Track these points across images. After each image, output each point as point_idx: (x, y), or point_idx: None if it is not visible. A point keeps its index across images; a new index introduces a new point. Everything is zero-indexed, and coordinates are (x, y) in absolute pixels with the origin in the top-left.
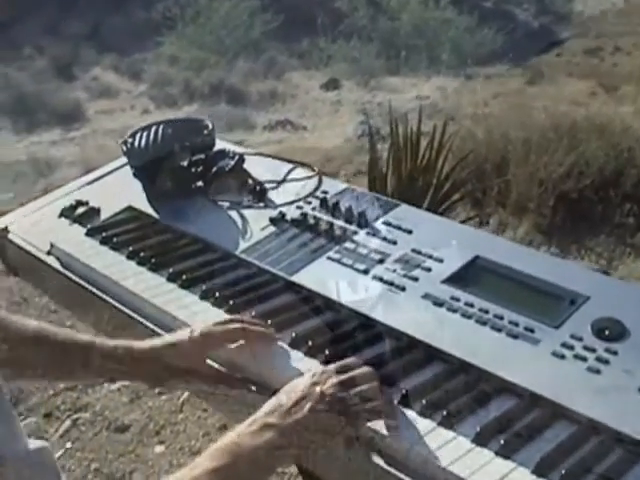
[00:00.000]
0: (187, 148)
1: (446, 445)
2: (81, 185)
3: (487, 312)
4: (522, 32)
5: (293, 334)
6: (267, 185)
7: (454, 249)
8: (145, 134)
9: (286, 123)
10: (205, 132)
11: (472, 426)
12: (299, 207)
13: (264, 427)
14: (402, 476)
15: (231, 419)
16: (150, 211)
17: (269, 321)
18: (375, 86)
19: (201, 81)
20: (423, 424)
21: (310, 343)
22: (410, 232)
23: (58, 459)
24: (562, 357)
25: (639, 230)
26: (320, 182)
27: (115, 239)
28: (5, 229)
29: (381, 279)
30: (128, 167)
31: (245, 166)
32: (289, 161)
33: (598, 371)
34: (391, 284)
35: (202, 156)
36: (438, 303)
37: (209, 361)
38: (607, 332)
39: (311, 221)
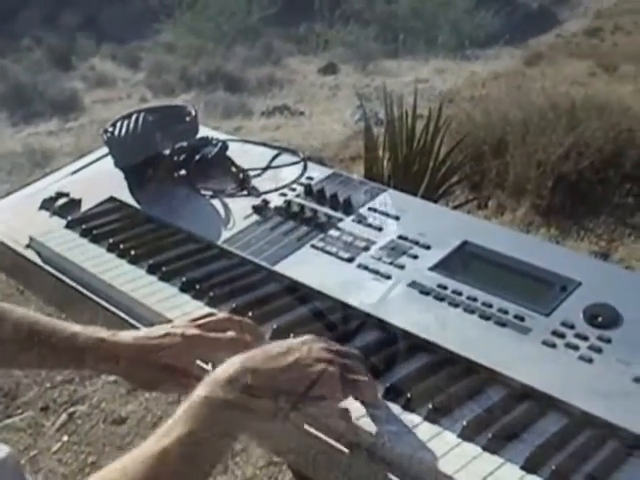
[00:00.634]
0: (169, 136)
1: (432, 440)
2: (62, 176)
3: (475, 300)
4: (521, 13)
5: (274, 326)
6: (251, 172)
7: (442, 235)
8: (126, 123)
9: (284, 109)
10: (188, 119)
11: (459, 420)
12: (283, 194)
13: (242, 372)
14: (386, 473)
15: None
16: (132, 201)
17: (250, 313)
18: (373, 70)
19: (198, 68)
20: (408, 418)
21: (292, 335)
22: (397, 218)
23: (55, 453)
24: (553, 346)
25: (639, 210)
26: (305, 168)
27: (95, 231)
28: None
29: (366, 267)
30: (110, 157)
31: (229, 153)
32: (274, 147)
33: (590, 360)
34: (376, 273)
35: (184, 144)
36: (425, 291)
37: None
38: (600, 319)
39: (295, 209)
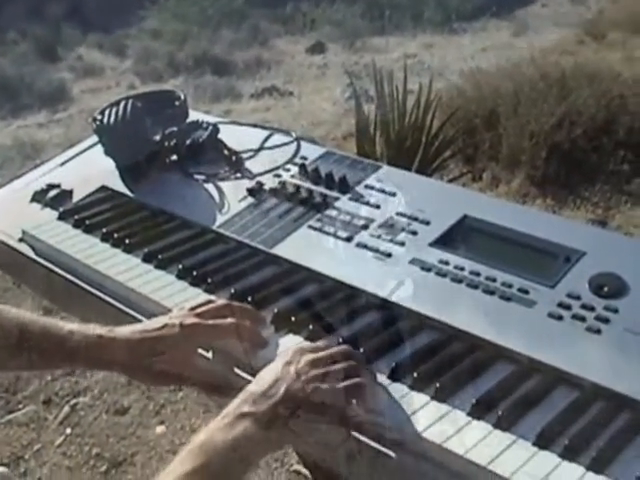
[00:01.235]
0: (159, 121)
1: (441, 420)
2: (53, 167)
3: (478, 275)
4: None
5: (275, 310)
6: (243, 154)
7: (441, 210)
8: (115, 110)
9: (273, 90)
10: (177, 103)
11: (467, 398)
12: (277, 175)
13: (238, 418)
14: (395, 454)
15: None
16: (124, 190)
17: (250, 298)
18: (361, 47)
19: (185, 53)
20: (415, 398)
21: (293, 319)
22: (394, 195)
23: (59, 446)
24: (559, 318)
25: (635, 177)
26: (298, 148)
27: (88, 221)
28: None
29: (366, 246)
30: (100, 146)
31: (220, 136)
32: (265, 128)
33: (598, 331)
34: (376, 251)
35: (175, 129)
36: (426, 268)
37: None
38: (606, 289)
39: (290, 189)
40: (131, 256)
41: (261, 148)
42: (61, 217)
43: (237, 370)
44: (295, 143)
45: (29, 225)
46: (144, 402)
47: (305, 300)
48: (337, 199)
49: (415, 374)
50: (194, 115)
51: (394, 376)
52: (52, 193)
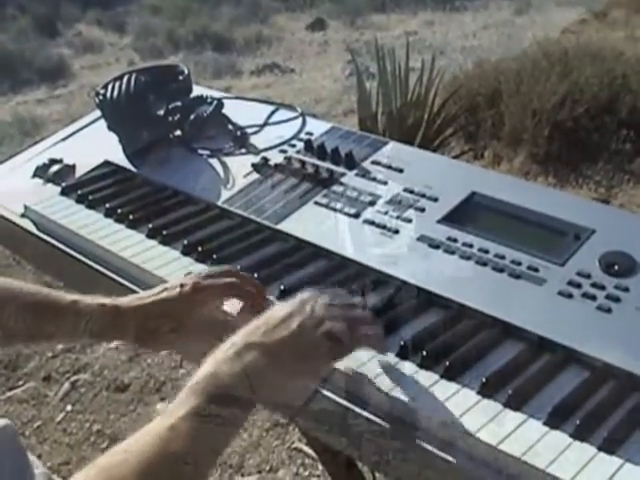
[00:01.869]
0: (162, 96)
1: (450, 399)
2: (55, 142)
3: (487, 252)
4: None
5: (281, 286)
6: (248, 130)
7: (448, 186)
8: (118, 84)
9: (273, 67)
10: (180, 78)
11: (477, 377)
12: (283, 151)
13: (245, 348)
14: (404, 434)
15: None
16: (127, 165)
17: (255, 274)
18: (361, 25)
19: (185, 30)
20: (424, 377)
21: None
22: (401, 171)
23: (59, 423)
24: (569, 296)
25: (637, 156)
26: (304, 123)
27: (91, 197)
28: None
29: (373, 222)
30: (103, 120)
31: (224, 111)
32: (270, 103)
33: (609, 310)
34: (384, 227)
35: (179, 103)
36: (434, 245)
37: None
38: (616, 267)
39: (296, 165)
40: (135, 232)
41: (266, 123)
42: (64, 192)
43: None
44: (300, 118)
45: (31, 200)
46: (144, 379)
47: (312, 277)
48: (343, 175)
49: (424, 352)
50: (198, 90)
51: (403, 354)
52: (54, 168)
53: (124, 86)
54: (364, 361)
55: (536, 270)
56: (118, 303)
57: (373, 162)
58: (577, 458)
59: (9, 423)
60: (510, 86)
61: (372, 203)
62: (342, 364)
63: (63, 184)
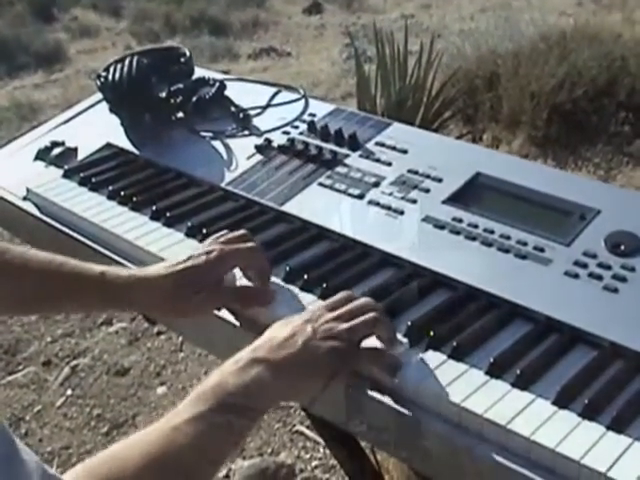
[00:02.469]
0: (164, 78)
1: (458, 379)
2: (56, 125)
3: (492, 232)
4: None
5: (287, 268)
6: (251, 111)
7: (453, 167)
8: (119, 67)
9: (270, 50)
10: (182, 60)
11: (485, 357)
12: (286, 132)
13: (251, 363)
14: (412, 414)
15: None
16: (129, 147)
17: None
18: (358, 8)
19: (182, 14)
20: (432, 357)
21: (306, 276)
22: (405, 152)
23: (59, 407)
24: (576, 276)
25: (636, 138)
26: (307, 105)
27: (94, 179)
28: None
29: (377, 203)
30: (105, 103)
31: (227, 93)
32: (273, 85)
33: (616, 290)
34: (388, 208)
35: (181, 85)
36: (439, 225)
37: None
38: (622, 247)
39: (299, 146)
40: (139, 214)
41: (268, 105)
42: (66, 175)
43: None
44: (303, 100)
45: (33, 183)
46: (145, 363)
47: (317, 258)
48: (347, 156)
49: (431, 333)
50: (200, 72)
51: (410, 335)
52: (56, 151)
53: (126, 68)
54: (371, 342)
55: (542, 250)
56: (147, 274)
57: (377, 143)
58: (586, 437)
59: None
60: (508, 69)
61: (376, 184)
62: None
63: (65, 167)
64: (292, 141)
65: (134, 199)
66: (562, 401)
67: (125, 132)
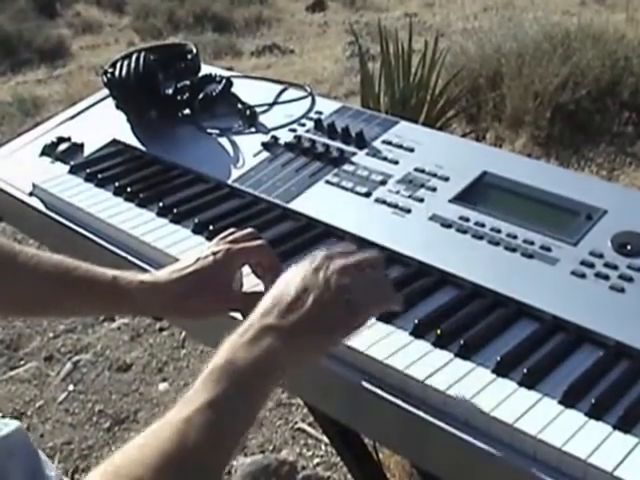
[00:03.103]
0: (171, 75)
1: (465, 377)
2: (62, 121)
3: (499, 231)
4: None
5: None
6: (257, 109)
7: (460, 166)
8: (126, 63)
9: (274, 47)
10: (189, 57)
11: (491, 356)
12: (292, 130)
13: (261, 332)
14: (418, 412)
15: None
16: (136, 143)
17: None
18: (361, 6)
19: (185, 11)
20: (438, 356)
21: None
22: (412, 150)
23: (61, 403)
24: (582, 276)
25: (639, 139)
26: (313, 102)
27: (100, 175)
28: None
29: (384, 202)
30: (111, 99)
31: (233, 90)
32: (279, 82)
33: (622, 290)
34: (395, 206)
35: (187, 82)
36: (446, 224)
37: None
38: (629, 247)
39: (306, 144)
40: (145, 210)
41: (275, 102)
42: (72, 171)
43: None
44: (310, 98)
45: (39, 179)
46: (147, 359)
47: None
48: (354, 154)
49: (438, 331)
50: (206, 69)
51: (417, 333)
52: (62, 147)
53: (132, 65)
54: (378, 339)
55: (549, 250)
56: (157, 279)
57: (384, 141)
58: (592, 436)
59: (20, 425)
60: (512, 68)
61: (383, 182)
62: (355, 342)
63: (72, 163)
64: (299, 138)
65: (141, 195)
66: (569, 400)
67: (131, 128)
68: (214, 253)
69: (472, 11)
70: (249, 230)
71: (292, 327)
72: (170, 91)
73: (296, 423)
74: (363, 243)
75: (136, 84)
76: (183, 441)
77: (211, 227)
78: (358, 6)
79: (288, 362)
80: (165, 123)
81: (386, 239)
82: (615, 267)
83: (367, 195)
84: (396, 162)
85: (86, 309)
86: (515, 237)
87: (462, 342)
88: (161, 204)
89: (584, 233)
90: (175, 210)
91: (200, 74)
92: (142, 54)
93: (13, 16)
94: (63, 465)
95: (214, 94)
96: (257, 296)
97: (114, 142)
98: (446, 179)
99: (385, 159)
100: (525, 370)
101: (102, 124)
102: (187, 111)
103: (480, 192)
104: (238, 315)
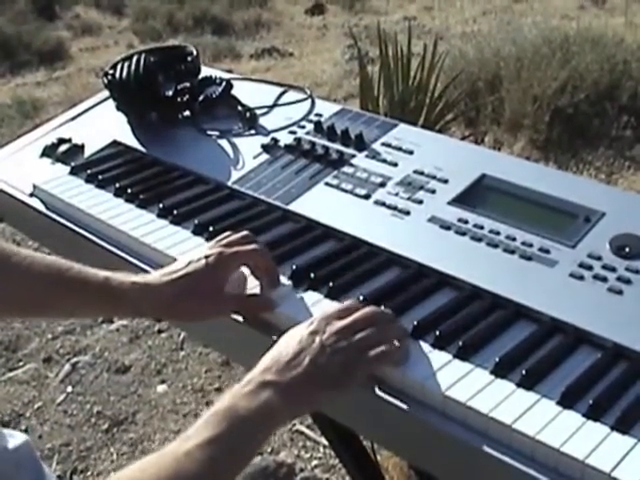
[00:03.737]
0: (171, 76)
1: (463, 378)
2: (63, 122)
3: (498, 233)
4: None
5: (294, 267)
6: (257, 111)
7: (459, 168)
8: (127, 64)
9: (273, 50)
10: (189, 59)
11: (490, 357)
12: (292, 132)
13: (261, 386)
14: (417, 413)
15: (230, 356)
16: (136, 145)
17: None
18: (360, 9)
19: (184, 13)
20: (437, 357)
21: (312, 275)
22: (411, 153)
23: (59, 404)
24: (581, 278)
25: (637, 143)
26: (313, 105)
27: (101, 176)
28: None
29: (384, 204)
30: (111, 100)
31: (233, 92)
32: (279, 84)
33: (620, 292)
34: (394, 208)
35: (187, 84)
36: (445, 226)
37: None
38: (627, 249)
39: (306, 146)
40: (145, 211)
41: (275, 105)
42: (73, 172)
43: (270, 335)
44: (309, 100)
45: (40, 180)
46: (145, 361)
47: (323, 257)
48: (354, 156)
49: (437, 332)
50: (206, 71)
51: (416, 334)
52: (63, 148)
53: (133, 66)
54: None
55: (547, 252)
56: (148, 281)
57: (383, 144)
58: (590, 437)
59: (28, 439)
60: (511, 72)
61: (382, 184)
62: None
63: (72, 163)
64: (298, 141)
65: (141, 197)
66: (567, 401)
67: (132, 130)
68: (207, 256)
69: (471, 15)
70: (243, 233)
71: (289, 383)
72: (170, 93)
73: (294, 425)
74: (363, 245)
75: (136, 86)
76: (182, 472)
77: (211, 228)
78: (357, 9)
79: (284, 414)
80: (165, 125)
81: (385, 241)
82: (613, 269)
83: (366, 197)
84: (395, 164)
85: (79, 310)
86: (514, 239)
87: (461, 343)
88: (161, 205)
89: (582, 235)
90: (175, 211)
91: (200, 76)
92: (142, 56)
93: (12, 18)
94: (61, 466)
95: (214, 96)
96: (253, 298)
97: (114, 143)
98: (445, 181)
99: (384, 161)
100: (523, 371)
101: (103, 125)
102: (187, 113)
103: (479, 194)
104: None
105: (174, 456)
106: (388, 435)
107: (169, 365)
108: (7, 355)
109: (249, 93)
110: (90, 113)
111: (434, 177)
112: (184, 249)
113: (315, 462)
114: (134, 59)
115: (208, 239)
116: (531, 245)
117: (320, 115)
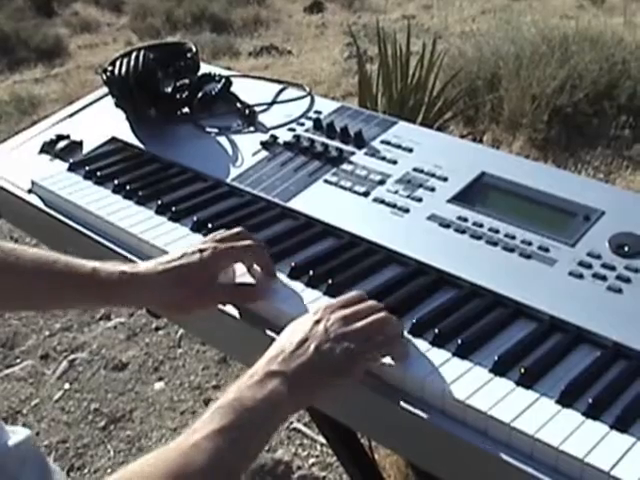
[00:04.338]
0: (170, 73)
1: (463, 376)
2: (61, 118)
3: (497, 232)
4: None
5: (292, 264)
6: (256, 108)
7: (458, 166)
8: (125, 61)
9: (271, 48)
10: (188, 55)
11: (489, 355)
12: (291, 129)
13: (267, 376)
14: (417, 411)
15: (228, 353)
16: (135, 141)
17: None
18: (359, 7)
19: (183, 10)
20: (436, 355)
21: (311, 273)
22: (410, 150)
23: (57, 401)
24: (580, 277)
25: (636, 142)
26: (312, 102)
27: (99, 173)
28: None
29: (383, 201)
30: (110, 97)
31: (232, 89)
32: (278, 82)
33: (620, 290)
34: (394, 206)
35: (186, 81)
36: (445, 224)
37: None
38: (626, 248)
39: (305, 143)
40: (144, 208)
41: (274, 102)
42: (71, 168)
43: (268, 332)
44: (309, 97)
45: (38, 176)
46: (143, 358)
47: (323, 254)
48: (353, 154)
49: (436, 330)
50: (205, 68)
51: (415, 332)
52: (61, 144)
53: (132, 63)
54: None
55: (547, 250)
56: (138, 271)
57: (382, 141)
58: (589, 436)
59: (31, 433)
60: (509, 71)
61: (382, 182)
62: None
63: (70, 160)
64: (298, 138)
65: (140, 193)
66: (566, 400)
67: (130, 126)
68: (201, 250)
69: (470, 14)
70: (238, 229)
71: (294, 372)
72: (169, 90)
73: (292, 423)
74: (362, 242)
75: (135, 82)
76: (189, 464)
77: (210, 225)
78: (356, 8)
79: (290, 403)
80: (164, 121)
81: (384, 238)
82: (612, 268)
83: (366, 194)
84: (395, 162)
85: (68, 301)
86: (513, 237)
87: (460, 341)
88: (160, 202)
89: (582, 234)
90: (174, 208)
91: (199, 73)
92: (141, 52)
93: (11, 15)
94: (58, 463)
95: (213, 93)
96: (246, 288)
97: (113, 140)
98: (445, 179)
99: (384, 159)
100: (523, 369)
101: (101, 122)
102: (186, 110)
103: (478, 192)
104: (228, 308)
105: (181, 449)
106: (386, 433)
107: (166, 362)
108: (4, 352)
109: (248, 90)
110: (89, 110)
111: (433, 175)
112: (182, 246)
113: (312, 460)
114: (133, 56)
115: (207, 236)
116: (530, 243)
117: (319, 112)
